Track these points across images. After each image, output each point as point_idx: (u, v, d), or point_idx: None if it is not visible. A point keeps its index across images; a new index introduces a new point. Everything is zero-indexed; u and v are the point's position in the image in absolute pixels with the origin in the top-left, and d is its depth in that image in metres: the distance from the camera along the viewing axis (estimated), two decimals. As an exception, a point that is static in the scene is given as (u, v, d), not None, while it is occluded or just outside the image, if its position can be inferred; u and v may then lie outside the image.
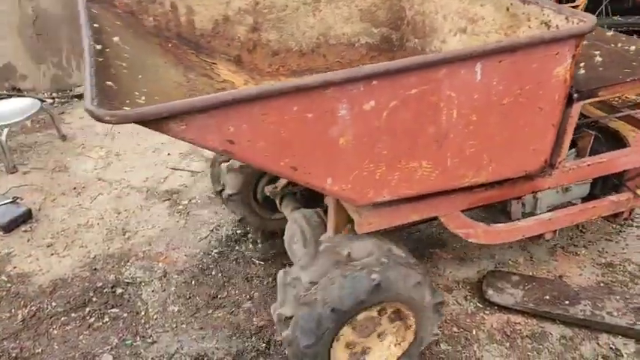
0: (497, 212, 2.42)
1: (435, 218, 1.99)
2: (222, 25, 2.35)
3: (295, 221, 2.28)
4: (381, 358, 1.93)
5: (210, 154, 3.57)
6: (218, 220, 3.06)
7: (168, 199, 3.26)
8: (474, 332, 2.30)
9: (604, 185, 2.46)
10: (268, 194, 2.54)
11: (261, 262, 2.74)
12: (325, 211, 2.32)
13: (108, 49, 1.69)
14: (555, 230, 2.28)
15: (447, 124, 1.62)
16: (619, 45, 2.23)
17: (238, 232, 2.94)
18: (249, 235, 2.90)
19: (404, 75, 1.48)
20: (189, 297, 2.53)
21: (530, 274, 2.61)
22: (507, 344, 2.23)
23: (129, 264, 2.75)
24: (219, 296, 2.53)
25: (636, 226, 2.92)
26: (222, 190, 2.68)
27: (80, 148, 3.91)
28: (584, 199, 2.43)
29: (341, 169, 1.58)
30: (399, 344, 1.94)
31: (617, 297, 2.39)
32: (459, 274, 2.62)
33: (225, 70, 2.32)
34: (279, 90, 1.37)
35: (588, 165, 2.11)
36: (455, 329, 2.32)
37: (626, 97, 2.59)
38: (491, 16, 2.12)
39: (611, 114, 2.38)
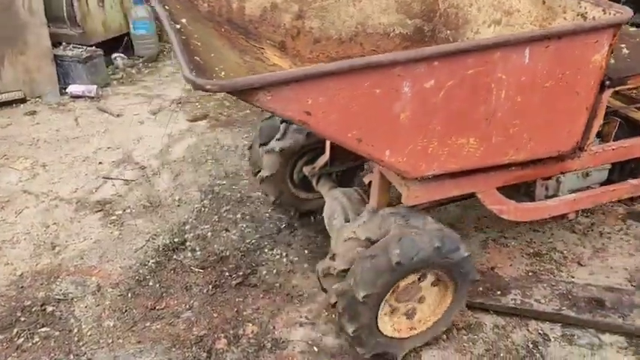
0: (521, 195, 2.58)
1: (472, 195, 2.15)
2: (270, 12, 2.49)
3: (336, 198, 2.43)
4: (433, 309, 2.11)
5: (143, 161, 3.61)
6: (154, 229, 2.96)
7: (101, 210, 3.14)
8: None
9: (621, 172, 2.62)
10: (307, 174, 2.68)
11: (200, 270, 2.67)
12: (363, 190, 2.48)
13: (182, 29, 1.83)
14: (578, 211, 2.45)
15: (495, 104, 1.77)
16: (642, 39, 2.40)
17: (176, 240, 2.86)
18: (188, 244, 2.84)
19: (463, 56, 1.63)
20: (125, 310, 2.45)
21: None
22: (444, 337, 2.27)
23: (59, 280, 2.62)
24: (157, 307, 2.46)
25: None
26: (259, 172, 2.81)
27: (3, 159, 3.67)
28: (602, 185, 2.60)
29: (399, 142, 1.73)
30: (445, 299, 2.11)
31: (545, 285, 2.54)
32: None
33: (272, 55, 2.46)
34: (355, 66, 1.52)
35: (613, 149, 2.27)
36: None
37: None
38: (527, 8, 2.27)
39: (630, 105, 2.55)
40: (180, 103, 4.50)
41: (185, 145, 3.85)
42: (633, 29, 2.55)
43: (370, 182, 2.47)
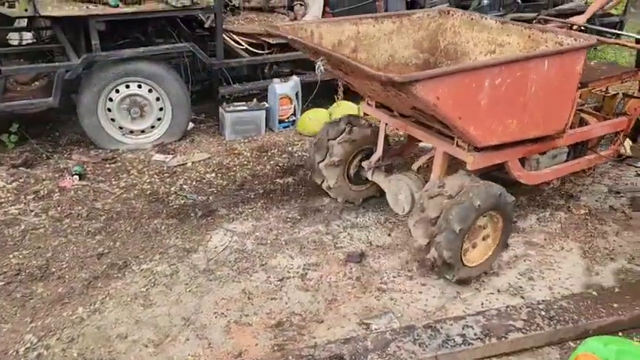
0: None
1: (502, 166, 3.10)
2: (337, 46, 3.35)
3: (399, 179, 3.27)
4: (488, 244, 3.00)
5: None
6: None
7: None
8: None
9: (575, 153, 3.75)
10: (365, 167, 3.49)
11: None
12: (413, 174, 3.35)
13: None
14: (559, 177, 3.53)
15: (528, 96, 2.77)
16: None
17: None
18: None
19: (515, 63, 2.62)
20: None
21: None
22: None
23: None
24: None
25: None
26: (323, 159, 3.51)
27: None
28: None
29: (480, 120, 2.65)
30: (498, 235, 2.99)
31: (291, 357, 2.38)
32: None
33: (341, 77, 3.30)
34: (462, 68, 2.44)
35: (579, 133, 3.40)
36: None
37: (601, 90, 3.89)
38: (516, 41, 3.37)
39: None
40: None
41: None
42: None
43: (418, 168, 3.38)
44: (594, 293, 2.84)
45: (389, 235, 3.42)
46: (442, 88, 2.41)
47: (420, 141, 3.60)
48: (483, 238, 2.97)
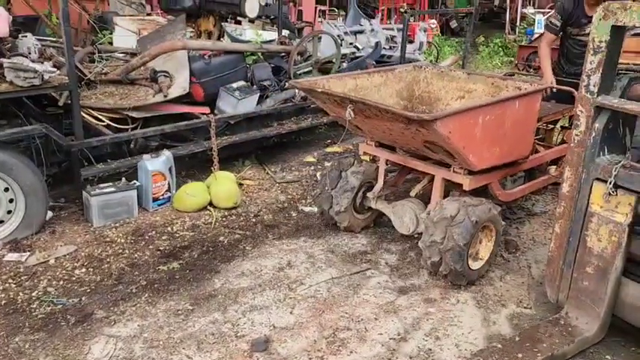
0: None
1: (486, 186, 3.82)
2: (341, 97, 3.99)
3: (403, 205, 3.89)
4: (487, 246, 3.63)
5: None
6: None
7: None
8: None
9: (529, 176, 4.58)
10: (370, 197, 4.08)
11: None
12: (414, 199, 3.98)
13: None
14: (525, 195, 4.31)
15: (506, 129, 3.53)
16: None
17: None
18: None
19: (499, 103, 3.38)
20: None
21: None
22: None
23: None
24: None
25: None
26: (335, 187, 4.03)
27: None
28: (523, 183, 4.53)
29: (476, 149, 3.35)
30: (492, 239, 3.64)
31: None
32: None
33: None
34: (464, 108, 3.15)
35: (537, 158, 4.23)
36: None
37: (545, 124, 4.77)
38: (481, 87, 4.19)
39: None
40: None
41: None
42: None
43: (416, 194, 4.02)
44: (499, 346, 2.85)
45: (291, 312, 3.23)
46: (453, 123, 3.09)
47: (409, 173, 4.28)
48: (481, 242, 3.63)
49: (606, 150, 2.83)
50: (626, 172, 2.68)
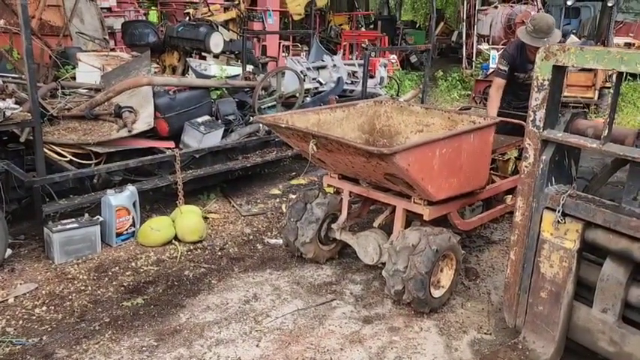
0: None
1: (446, 216, 3.96)
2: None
3: (367, 236, 3.98)
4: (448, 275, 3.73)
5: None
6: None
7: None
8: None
9: (487, 205, 4.77)
10: (334, 228, 4.16)
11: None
12: (377, 230, 4.08)
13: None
14: (483, 224, 4.48)
15: (462, 160, 3.70)
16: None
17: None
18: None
19: (455, 137, 3.55)
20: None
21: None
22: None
23: None
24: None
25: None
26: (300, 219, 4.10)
27: None
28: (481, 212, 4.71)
29: (434, 180, 3.49)
30: (452, 267, 3.75)
31: None
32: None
33: (311, 156, 4.03)
34: (422, 142, 3.30)
35: (493, 188, 4.41)
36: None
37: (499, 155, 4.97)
38: (439, 122, 4.38)
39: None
40: None
41: None
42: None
43: (379, 225, 4.13)
44: None
45: (257, 345, 3.23)
46: (412, 156, 3.23)
47: (373, 204, 4.39)
48: (442, 271, 3.74)
49: (554, 180, 3.00)
50: (573, 201, 2.85)
